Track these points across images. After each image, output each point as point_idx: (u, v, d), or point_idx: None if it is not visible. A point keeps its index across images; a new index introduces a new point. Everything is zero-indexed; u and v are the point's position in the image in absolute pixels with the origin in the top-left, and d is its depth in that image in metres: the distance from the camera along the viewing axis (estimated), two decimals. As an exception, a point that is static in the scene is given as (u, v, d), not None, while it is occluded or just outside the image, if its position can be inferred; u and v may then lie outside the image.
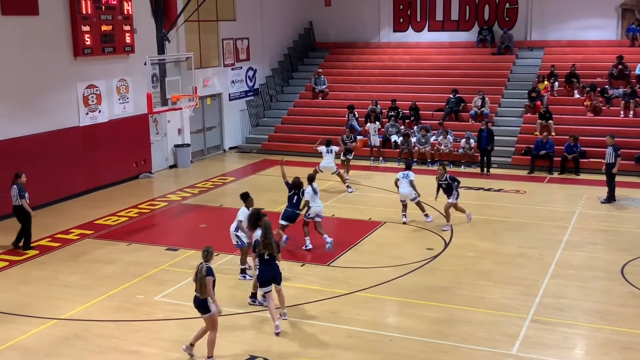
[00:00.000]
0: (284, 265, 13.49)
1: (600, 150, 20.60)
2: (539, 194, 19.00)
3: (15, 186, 14.61)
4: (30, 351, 10.24)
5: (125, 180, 20.87)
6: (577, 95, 23.94)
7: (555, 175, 21.11)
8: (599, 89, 23.35)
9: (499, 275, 12.96)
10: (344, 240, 14.92)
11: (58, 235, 15.74)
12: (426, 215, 16.13)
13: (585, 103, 23.25)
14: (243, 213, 12.47)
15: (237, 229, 12.56)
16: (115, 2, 19.71)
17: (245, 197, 12.78)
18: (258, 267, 10.87)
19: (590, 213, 17.03)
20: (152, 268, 13.55)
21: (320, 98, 27.07)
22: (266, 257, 10.68)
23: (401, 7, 29.06)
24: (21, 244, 14.88)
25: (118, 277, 13.12)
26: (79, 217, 17.15)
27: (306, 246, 14.43)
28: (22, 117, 17.54)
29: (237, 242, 12.67)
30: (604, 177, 18.23)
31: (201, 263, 9.68)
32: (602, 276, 12.91)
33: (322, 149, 19.39)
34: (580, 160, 21.14)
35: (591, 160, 21.24)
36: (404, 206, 16.24)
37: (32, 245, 14.92)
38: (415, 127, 23.86)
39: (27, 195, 14.66)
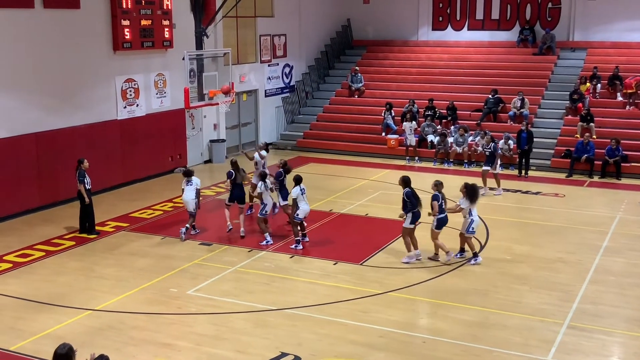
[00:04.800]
0: (317, 264, 13.53)
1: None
2: (578, 198, 18.62)
3: (77, 171, 15.16)
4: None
5: (161, 174, 21.05)
6: (620, 98, 23.43)
7: (596, 179, 20.65)
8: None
9: (535, 280, 12.71)
10: (377, 240, 14.82)
11: (96, 228, 15.89)
12: None
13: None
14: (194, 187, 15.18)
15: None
16: (155, -3, 19.88)
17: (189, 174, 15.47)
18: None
19: (631, 219, 16.62)
20: (186, 262, 13.62)
21: (356, 96, 26.94)
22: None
23: (441, 5, 28.76)
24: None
25: (152, 270, 13.22)
26: (115, 209, 17.34)
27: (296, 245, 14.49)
28: (62, 109, 17.80)
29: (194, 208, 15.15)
30: (646, 182, 17.80)
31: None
32: (642, 283, 12.60)
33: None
34: (622, 164, 20.66)
35: (633, 164, 20.76)
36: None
37: (96, 229, 15.55)
38: (452, 127, 23.60)
39: (87, 180, 15.15)
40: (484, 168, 18.89)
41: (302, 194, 14.26)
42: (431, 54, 28.37)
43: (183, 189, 15.27)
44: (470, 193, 13.45)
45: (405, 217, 13.45)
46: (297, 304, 11.63)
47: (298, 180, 14.39)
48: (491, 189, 18.79)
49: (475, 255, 13.60)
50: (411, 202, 13.35)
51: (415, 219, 13.46)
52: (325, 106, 27.18)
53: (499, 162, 19.35)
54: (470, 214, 13.40)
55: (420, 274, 13.00)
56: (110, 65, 19.14)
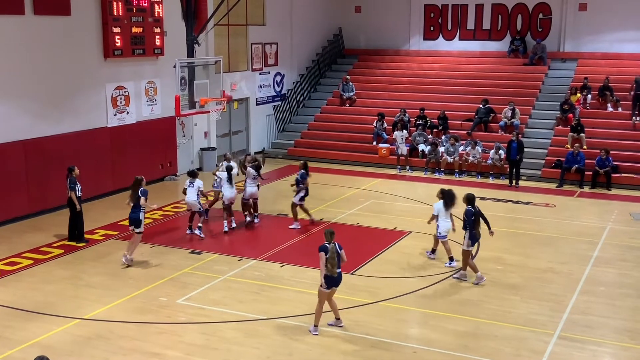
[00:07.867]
0: (307, 273, 13.45)
1: (633, 165, 20.17)
2: (568, 208, 18.65)
3: (67, 179, 15.09)
4: (52, 350, 10.23)
5: (151, 182, 20.84)
6: (610, 109, 23.54)
7: (586, 189, 20.70)
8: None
9: (526, 290, 12.70)
10: (368, 249, 14.78)
11: (85, 236, 15.77)
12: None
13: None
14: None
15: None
16: (146, 5, 19.81)
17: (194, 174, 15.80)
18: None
19: (622, 229, 16.66)
20: (175, 271, 13.52)
21: (347, 105, 26.95)
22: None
23: (432, 15, 28.87)
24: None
25: (141, 279, 13.11)
26: (104, 217, 17.20)
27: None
28: (51, 116, 17.68)
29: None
30: (636, 193, 17.84)
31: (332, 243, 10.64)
32: (632, 294, 12.60)
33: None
34: (612, 174, 20.71)
35: (624, 175, 20.83)
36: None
37: (85, 238, 15.45)
38: (443, 137, 23.64)
39: (78, 187, 15.11)
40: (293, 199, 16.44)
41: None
42: (422, 63, 28.44)
43: (185, 189, 15.63)
44: (445, 198, 13.75)
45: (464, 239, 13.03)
46: (288, 313, 11.55)
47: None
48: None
49: (450, 259, 13.89)
50: (468, 222, 12.77)
51: (473, 240, 12.96)
52: (317, 115, 27.17)
53: (301, 193, 16.30)
54: (437, 219, 13.78)
55: (411, 283, 12.96)
56: (101, 72, 19.05)
